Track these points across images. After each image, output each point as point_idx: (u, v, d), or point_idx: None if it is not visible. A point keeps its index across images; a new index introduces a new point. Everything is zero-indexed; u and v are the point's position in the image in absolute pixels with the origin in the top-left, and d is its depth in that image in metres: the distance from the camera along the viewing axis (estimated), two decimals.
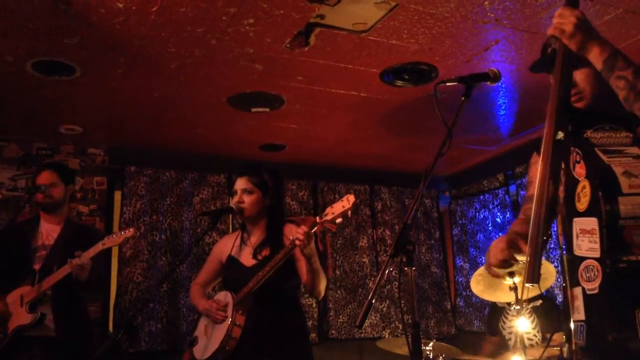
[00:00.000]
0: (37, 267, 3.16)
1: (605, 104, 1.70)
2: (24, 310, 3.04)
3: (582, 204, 1.55)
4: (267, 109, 4.10)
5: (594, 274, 1.49)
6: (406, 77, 3.61)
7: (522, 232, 1.83)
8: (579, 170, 1.59)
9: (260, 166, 2.98)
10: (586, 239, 1.53)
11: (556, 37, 1.69)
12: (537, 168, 1.92)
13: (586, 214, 1.53)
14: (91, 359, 2.34)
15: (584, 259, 1.54)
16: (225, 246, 2.98)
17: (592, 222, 1.51)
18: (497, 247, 1.85)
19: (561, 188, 1.67)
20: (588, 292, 1.52)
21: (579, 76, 1.76)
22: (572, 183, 1.61)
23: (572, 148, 1.62)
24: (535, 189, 1.92)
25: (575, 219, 1.58)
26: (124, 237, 3.08)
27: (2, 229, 4.05)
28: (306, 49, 3.20)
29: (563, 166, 1.66)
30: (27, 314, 3.03)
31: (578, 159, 1.60)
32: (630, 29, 3.04)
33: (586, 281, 1.52)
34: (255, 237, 2.90)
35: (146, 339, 4.57)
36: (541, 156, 1.62)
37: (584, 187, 1.55)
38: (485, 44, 3.22)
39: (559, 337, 2.95)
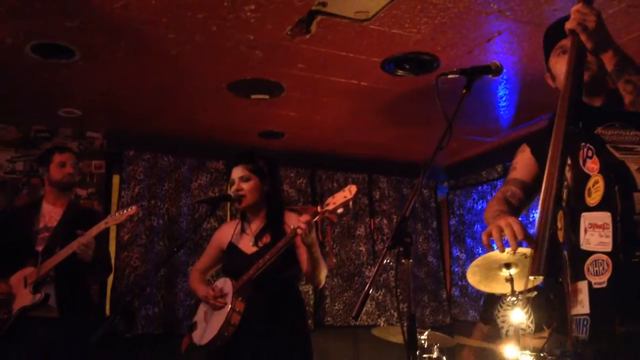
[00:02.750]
0: (39, 248, 3.16)
1: (615, 103, 1.70)
2: (27, 292, 3.05)
3: (594, 198, 1.54)
4: (267, 96, 4.08)
5: (603, 268, 1.49)
6: (407, 66, 3.59)
7: (508, 210, 1.85)
8: (591, 165, 1.58)
9: (254, 153, 2.98)
10: (596, 233, 1.52)
11: (575, 32, 1.65)
12: (524, 156, 2.00)
13: (598, 208, 1.52)
14: (88, 342, 2.35)
15: (591, 253, 1.53)
16: (226, 233, 2.99)
17: (604, 217, 1.50)
18: (516, 224, 1.64)
19: (565, 184, 1.66)
20: (595, 286, 1.51)
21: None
22: (582, 178, 1.60)
23: (583, 144, 1.62)
24: (518, 174, 1.99)
25: (584, 214, 1.56)
26: (127, 215, 3.06)
27: (3, 211, 4.06)
28: (307, 36, 3.18)
29: (569, 162, 1.65)
30: (31, 295, 3.04)
31: (590, 154, 1.59)
32: (633, 23, 3.03)
33: (593, 275, 1.52)
34: (255, 225, 2.90)
35: (143, 322, 4.60)
36: (550, 151, 1.61)
37: (596, 182, 1.54)
38: (488, 35, 3.20)
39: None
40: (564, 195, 1.65)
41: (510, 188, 1.98)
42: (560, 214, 1.64)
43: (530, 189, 1.96)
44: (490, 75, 1.88)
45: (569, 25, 1.65)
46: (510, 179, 2.02)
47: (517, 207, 1.94)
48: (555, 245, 1.57)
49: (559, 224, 1.64)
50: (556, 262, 1.60)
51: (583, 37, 1.63)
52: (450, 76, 1.88)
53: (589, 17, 1.61)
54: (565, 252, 1.64)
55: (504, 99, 4.22)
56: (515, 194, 1.95)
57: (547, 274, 1.50)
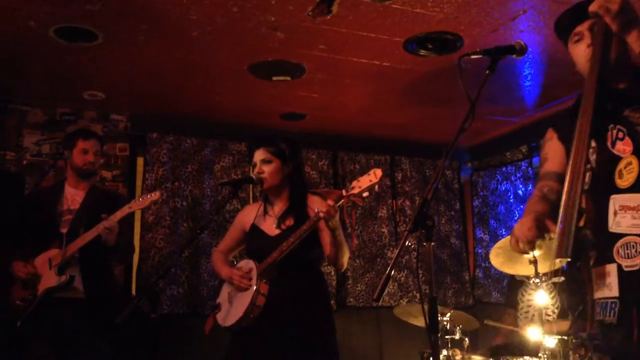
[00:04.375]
0: (64, 230, 3.21)
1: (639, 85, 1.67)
2: (52, 273, 3.11)
3: (626, 180, 1.52)
4: (288, 78, 4.07)
5: (636, 251, 1.47)
6: (430, 46, 3.54)
7: (545, 212, 1.79)
8: (622, 147, 1.55)
9: (276, 135, 2.98)
10: (629, 215, 1.50)
11: (599, 15, 1.64)
12: (553, 144, 1.95)
13: (631, 190, 1.51)
14: (114, 323, 2.39)
15: (622, 235, 1.51)
16: (249, 215, 3.01)
17: (639, 198, 1.48)
18: (524, 226, 1.73)
19: (588, 167, 1.63)
20: (626, 269, 1.50)
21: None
22: (610, 160, 1.58)
23: (612, 125, 1.59)
24: (552, 166, 1.93)
25: (613, 196, 1.54)
26: (150, 200, 3.11)
27: (27, 194, 4.13)
28: (328, 17, 3.15)
29: (594, 145, 1.62)
30: (56, 277, 3.10)
31: (621, 136, 1.57)
32: None
33: (624, 258, 1.50)
34: (278, 207, 2.92)
35: (168, 302, 4.68)
36: (577, 132, 1.60)
37: (629, 164, 1.52)
38: (513, 13, 3.13)
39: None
40: (587, 179, 1.63)
41: (547, 183, 1.94)
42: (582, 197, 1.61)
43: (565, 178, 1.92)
44: (514, 55, 1.85)
45: (592, 8, 1.64)
46: (544, 173, 1.97)
47: (556, 201, 1.88)
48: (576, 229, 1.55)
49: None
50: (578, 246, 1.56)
51: (607, 20, 1.61)
52: (473, 56, 1.85)
53: (613, 0, 1.59)
54: (588, 236, 1.61)
55: (528, 78, 4.14)
56: (553, 188, 1.91)
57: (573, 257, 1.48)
